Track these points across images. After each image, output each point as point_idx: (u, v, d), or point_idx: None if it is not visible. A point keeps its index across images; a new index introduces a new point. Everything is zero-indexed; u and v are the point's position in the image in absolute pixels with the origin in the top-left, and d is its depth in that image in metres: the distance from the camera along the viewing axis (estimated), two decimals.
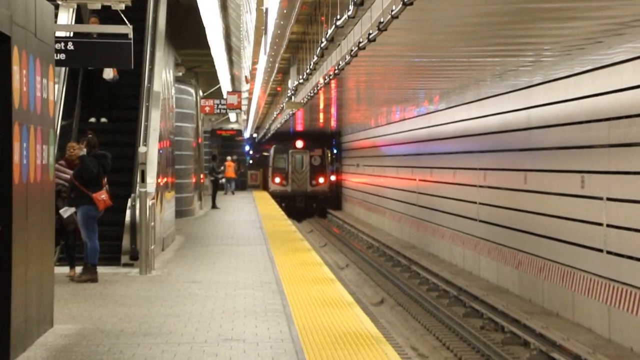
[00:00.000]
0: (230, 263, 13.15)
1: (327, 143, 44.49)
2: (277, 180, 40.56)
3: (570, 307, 13.83)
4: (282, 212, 26.03)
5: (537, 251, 15.43)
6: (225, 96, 31.40)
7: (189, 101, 24.01)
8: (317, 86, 17.14)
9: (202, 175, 28.99)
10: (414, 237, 25.27)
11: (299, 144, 40.73)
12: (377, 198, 31.80)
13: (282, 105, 24.80)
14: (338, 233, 32.76)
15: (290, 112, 25.56)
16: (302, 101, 20.74)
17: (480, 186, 18.90)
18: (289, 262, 13.26)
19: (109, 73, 14.23)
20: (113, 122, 14.45)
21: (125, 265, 12.27)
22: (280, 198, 38.54)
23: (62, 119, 13.78)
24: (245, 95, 35.47)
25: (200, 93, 29.20)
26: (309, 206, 40.29)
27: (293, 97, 20.95)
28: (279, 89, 26.79)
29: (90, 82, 14.54)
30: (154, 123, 13.79)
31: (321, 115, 31.12)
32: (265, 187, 44.17)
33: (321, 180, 40.30)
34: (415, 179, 25.16)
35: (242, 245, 15.98)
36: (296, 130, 41.07)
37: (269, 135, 43.19)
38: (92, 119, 14.31)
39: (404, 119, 26.58)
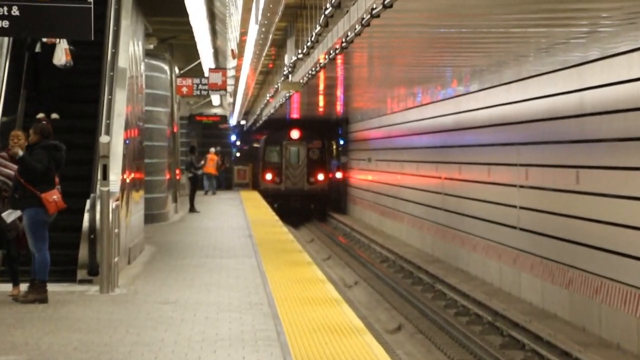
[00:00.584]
0: (212, 279, 13.16)
1: (331, 133, 44.71)
2: (269, 176, 41.34)
3: (634, 337, 13.76)
4: (276, 217, 26.10)
5: (592, 267, 15.36)
6: (206, 74, 31.38)
7: (162, 80, 24.01)
8: (320, 63, 17.10)
9: (177, 172, 29.02)
10: (438, 249, 25.26)
11: (295, 134, 41.41)
12: (392, 200, 31.81)
13: (276, 86, 24.80)
14: (345, 243, 32.84)
15: (287, 95, 25.55)
16: (301, 81, 20.74)
17: (521, 186, 18.85)
18: (285, 278, 13.26)
19: (60, 58, 14.15)
20: (66, 119, 14.35)
21: (83, 281, 12.26)
22: (272, 198, 39.21)
23: (3, 114, 13.70)
24: (231, 73, 35.46)
25: (176, 70, 29.20)
26: (306, 207, 40.99)
27: (290, 76, 20.92)
28: (271, 65, 26.76)
29: (38, 68, 14.45)
30: (119, 107, 13.79)
31: (324, 99, 31.14)
32: (255, 185, 44.36)
33: (320, 177, 41.14)
34: (440, 177, 25.14)
35: (227, 257, 16.02)
36: (293, 117, 41.19)
37: (260, 122, 43.29)
38: (41, 115, 14.22)
39: (427, 104, 26.58)
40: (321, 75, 20.24)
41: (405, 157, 29.84)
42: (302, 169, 41.24)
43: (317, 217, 41.62)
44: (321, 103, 33.19)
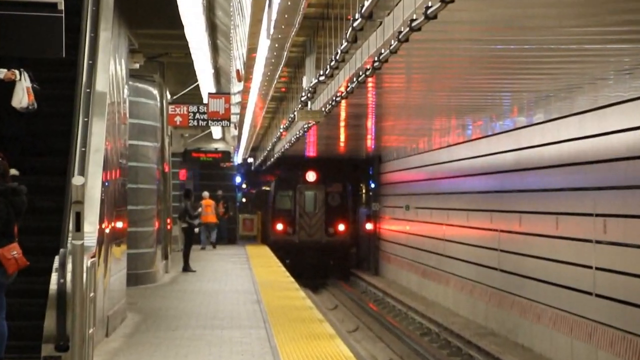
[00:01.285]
0: (210, 356, 13.10)
1: (358, 174, 44.85)
2: (280, 227, 42.57)
3: None
4: (291, 278, 26.11)
5: None
6: (205, 100, 31.46)
7: (149, 108, 24.08)
8: (346, 87, 17.11)
9: (168, 221, 29.03)
10: (493, 319, 25.09)
11: (311, 176, 42.60)
12: (436, 258, 31.70)
13: (291, 116, 24.83)
14: (376, 311, 32.73)
15: (305, 127, 25.59)
16: (322, 110, 20.75)
17: (598, 242, 18.71)
18: (302, 355, 13.19)
19: (21, 99, 14.05)
20: (29, 175, 14.20)
21: (49, 359, 12.15)
22: (284, 252, 40.05)
23: None
24: (236, 99, 35.54)
25: (168, 96, 29.29)
26: (324, 263, 41.90)
27: (309, 103, 20.93)
28: (285, 90, 26.82)
29: None
30: (97, 140, 13.77)
31: (349, 133, 31.12)
32: (265, 238, 44.50)
33: (341, 227, 42.64)
34: (496, 230, 25.02)
35: (230, 327, 16.01)
36: (310, 155, 41.47)
37: (272, 161, 43.40)
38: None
39: (479, 138, 26.53)
40: (347, 102, 20.22)
41: (453, 204, 29.77)
42: (319, 218, 42.37)
43: (339, 277, 42.01)
44: (346, 137, 33.18)
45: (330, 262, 42.07)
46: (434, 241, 32.14)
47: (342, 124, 27.79)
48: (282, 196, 43.02)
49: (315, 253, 41.81)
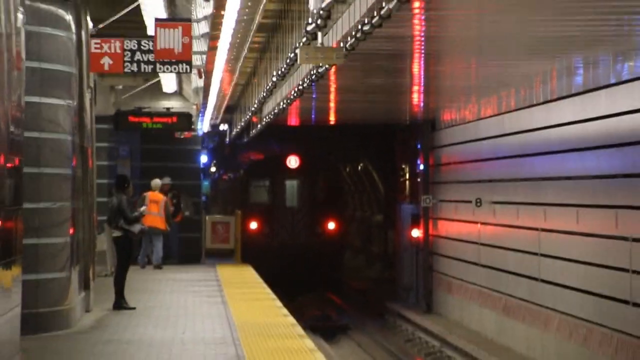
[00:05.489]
0: None
1: (395, 147, 47.81)
2: (254, 225, 50.15)
3: None
4: (291, 319, 26.25)
5: None
6: (152, 32, 31.35)
7: (59, 43, 24.01)
8: (379, 8, 16.96)
9: (94, 224, 28.94)
10: None
11: (293, 161, 50.50)
12: (527, 284, 31.78)
13: (290, 56, 24.71)
14: None
15: (313, 73, 25.46)
16: (343, 46, 20.62)
17: None
18: None
19: None
20: None
21: None
22: (260, 258, 45.24)
23: None
24: (201, 29, 35.45)
25: (91, 24, 29.18)
26: (312, 275, 49.28)
27: (319, 34, 20.80)
28: (281, 13, 26.68)
29: None
30: None
31: (382, 82, 31.01)
32: (246, 252, 45.43)
33: (331, 225, 50.90)
34: (626, 239, 24.91)
35: None
36: (302, 122, 44.66)
37: (257, 128, 43.55)
38: None
39: (595, 89, 26.42)
40: (381, 33, 20.11)
41: (553, 196, 29.97)
42: (302, 214, 50.41)
43: (367, 314, 44.63)
44: (380, 91, 33.16)
45: (316, 271, 48.85)
46: (523, 256, 32.34)
47: (370, 68, 27.67)
48: (256, 187, 50.57)
49: (297, 259, 48.63)
